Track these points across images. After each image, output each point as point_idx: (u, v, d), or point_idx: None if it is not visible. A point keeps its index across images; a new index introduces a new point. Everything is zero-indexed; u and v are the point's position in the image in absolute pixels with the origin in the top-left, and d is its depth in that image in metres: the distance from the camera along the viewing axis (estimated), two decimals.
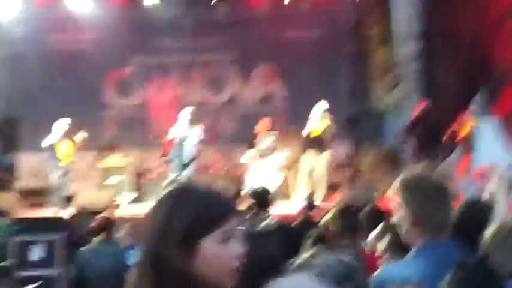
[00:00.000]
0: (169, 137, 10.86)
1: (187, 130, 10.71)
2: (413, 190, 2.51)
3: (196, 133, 10.83)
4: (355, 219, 4.68)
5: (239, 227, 1.65)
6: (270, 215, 6.02)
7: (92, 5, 12.97)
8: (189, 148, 10.75)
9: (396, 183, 2.58)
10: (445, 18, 12.27)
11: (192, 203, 1.61)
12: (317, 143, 10.78)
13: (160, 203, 1.65)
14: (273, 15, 13.76)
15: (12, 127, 13.16)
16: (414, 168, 2.68)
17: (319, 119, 10.82)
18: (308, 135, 10.83)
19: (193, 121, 10.95)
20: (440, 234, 2.49)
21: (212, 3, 13.55)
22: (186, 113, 10.81)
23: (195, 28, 13.64)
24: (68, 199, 10.52)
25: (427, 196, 2.49)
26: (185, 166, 10.62)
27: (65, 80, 13.32)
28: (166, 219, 1.59)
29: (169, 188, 1.70)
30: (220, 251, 1.58)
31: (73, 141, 10.78)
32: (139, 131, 13.16)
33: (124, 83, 13.89)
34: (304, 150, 11.17)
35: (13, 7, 13.02)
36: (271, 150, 11.16)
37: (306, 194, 10.57)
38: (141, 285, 1.60)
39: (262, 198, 6.30)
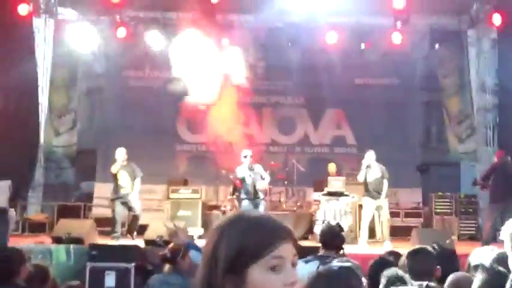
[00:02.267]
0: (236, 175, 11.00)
1: (248, 170, 10.81)
2: None
3: (260, 173, 10.93)
4: (429, 262, 4.66)
5: (293, 255, 1.59)
6: (343, 255, 6.00)
7: (168, 43, 13.31)
8: (254, 186, 10.84)
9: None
10: None
11: (239, 230, 1.59)
12: (370, 190, 10.76)
13: (211, 233, 1.64)
14: (346, 63, 13.87)
15: (88, 158, 13.60)
16: None
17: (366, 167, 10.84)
18: (365, 182, 10.83)
19: (253, 162, 11.05)
20: None
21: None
22: (245, 155, 10.94)
23: (268, 71, 13.91)
24: (139, 230, 10.73)
25: None
26: (253, 203, 10.71)
27: (140, 115, 13.78)
28: (214, 248, 1.58)
29: (224, 217, 1.69)
30: (269, 279, 1.54)
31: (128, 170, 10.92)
32: (210, 167, 13.40)
33: (196, 120, 14.22)
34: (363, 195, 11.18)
35: (95, 42, 13.48)
36: (339, 193, 11.19)
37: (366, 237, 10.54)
38: None
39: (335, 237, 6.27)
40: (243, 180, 10.75)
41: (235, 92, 13.65)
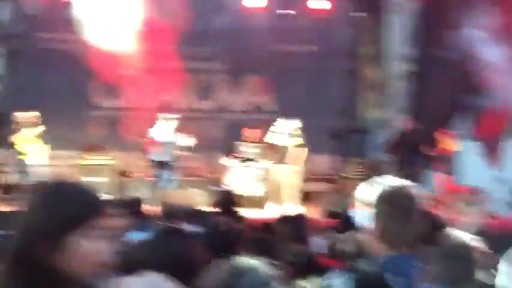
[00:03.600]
0: (152, 138, 10.88)
1: (172, 135, 10.74)
2: (383, 206, 2.53)
3: (184, 140, 10.89)
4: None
5: (107, 226, 1.67)
6: None
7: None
8: (172, 152, 10.81)
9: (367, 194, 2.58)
10: (436, 42, 12.47)
11: (60, 198, 1.65)
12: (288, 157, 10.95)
13: (31, 197, 1.68)
14: (268, 28, 13.85)
15: (2, 123, 13.19)
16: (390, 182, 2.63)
17: (290, 135, 10.99)
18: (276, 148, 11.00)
19: (179, 128, 10.98)
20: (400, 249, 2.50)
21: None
22: (174, 120, 10.85)
23: (191, 36, 13.73)
24: None
25: (392, 213, 2.51)
26: (165, 168, 10.68)
27: (54, 78, 13.43)
28: (34, 215, 1.62)
29: (41, 185, 1.74)
30: (87, 247, 1.61)
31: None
32: (124, 132, 13.21)
33: (113, 85, 13.97)
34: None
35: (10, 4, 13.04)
36: (250, 160, 11.29)
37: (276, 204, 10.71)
38: (9, 285, 1.60)
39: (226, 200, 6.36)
40: (162, 145, 10.66)
41: (155, 57, 13.49)
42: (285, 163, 11.11)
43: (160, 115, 10.97)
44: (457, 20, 11.91)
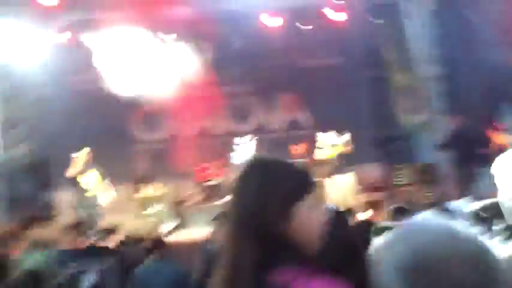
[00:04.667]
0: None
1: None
2: None
3: None
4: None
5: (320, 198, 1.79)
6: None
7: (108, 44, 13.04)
8: None
9: None
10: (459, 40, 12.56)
11: (282, 173, 1.76)
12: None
13: (249, 172, 1.79)
14: (291, 44, 13.94)
15: (44, 167, 13.25)
16: None
17: (331, 146, 11.00)
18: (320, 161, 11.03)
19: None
20: None
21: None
22: (248, 141, 10.90)
23: (218, 61, 13.84)
24: (109, 230, 10.50)
25: None
26: None
27: (91, 119, 13.51)
28: (264, 185, 1.72)
29: (250, 161, 1.84)
30: (310, 216, 1.72)
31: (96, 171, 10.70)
32: (170, 163, 13.27)
33: (151, 118, 14.07)
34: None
35: (35, 50, 13.13)
36: None
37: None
38: (242, 247, 1.69)
39: None
40: None
41: (186, 87, 13.58)
42: (334, 176, 11.07)
43: (238, 139, 11.00)
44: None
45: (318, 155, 10.96)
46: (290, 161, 1.85)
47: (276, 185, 1.72)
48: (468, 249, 1.30)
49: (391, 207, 8.98)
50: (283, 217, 1.68)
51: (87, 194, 10.48)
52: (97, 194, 10.56)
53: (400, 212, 7.24)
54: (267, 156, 1.88)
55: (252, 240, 1.67)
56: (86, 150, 10.69)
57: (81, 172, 10.51)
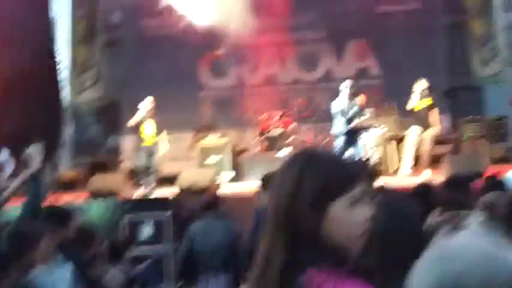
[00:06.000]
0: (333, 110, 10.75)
1: (348, 103, 10.57)
2: None
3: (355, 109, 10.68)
4: (465, 190, 4.63)
5: (366, 193, 1.66)
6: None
7: None
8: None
9: None
10: None
11: (323, 166, 1.66)
12: (421, 118, 10.61)
13: (290, 165, 1.70)
14: None
15: (113, 111, 13.61)
16: None
17: (420, 97, 10.62)
18: (412, 111, 10.69)
19: (354, 94, 10.82)
20: None
21: None
22: (346, 86, 10.69)
23: (289, 7, 13.61)
24: (169, 179, 10.78)
25: None
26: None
27: (161, 64, 13.69)
28: (299, 181, 1.64)
29: (296, 152, 1.75)
30: (348, 215, 1.61)
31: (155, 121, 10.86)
32: (235, 111, 13.37)
33: (218, 64, 14.11)
34: (407, 125, 11.01)
35: None
36: (367, 125, 10.99)
37: (411, 168, 10.47)
38: (274, 243, 1.64)
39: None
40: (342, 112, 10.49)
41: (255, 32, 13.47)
42: (421, 126, 10.70)
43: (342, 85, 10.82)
44: None
45: (411, 104, 10.63)
46: (341, 156, 1.80)
47: (309, 182, 1.64)
48: (507, 278, 1.26)
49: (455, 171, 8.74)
50: (314, 217, 1.61)
51: (145, 144, 10.67)
52: (154, 143, 10.73)
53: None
54: (316, 149, 1.83)
55: (283, 236, 1.63)
56: (150, 99, 10.83)
57: (142, 122, 10.67)
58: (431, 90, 10.99)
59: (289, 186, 1.65)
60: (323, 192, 1.62)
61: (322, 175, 1.64)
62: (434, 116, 10.71)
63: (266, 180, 5.66)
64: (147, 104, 10.80)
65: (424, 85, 10.57)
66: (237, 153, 12.00)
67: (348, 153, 10.33)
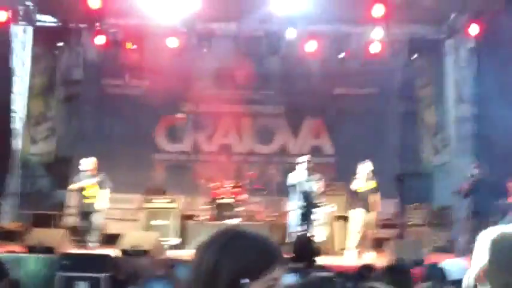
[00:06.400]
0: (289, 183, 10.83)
1: (306, 177, 10.68)
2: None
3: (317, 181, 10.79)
4: (406, 276, 4.68)
5: (284, 276, 1.67)
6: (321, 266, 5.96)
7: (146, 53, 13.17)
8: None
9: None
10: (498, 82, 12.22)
11: (241, 248, 1.66)
12: (363, 200, 10.78)
13: (208, 245, 1.68)
14: (326, 71, 13.84)
15: (63, 166, 13.45)
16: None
17: (365, 179, 10.82)
18: (355, 192, 10.86)
19: (311, 169, 10.91)
20: None
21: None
22: (303, 160, 10.84)
23: (249, 80, 13.86)
24: (112, 239, 10.60)
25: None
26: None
27: (118, 123, 13.70)
28: (215, 263, 1.63)
29: (216, 231, 1.73)
30: None
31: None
32: (187, 176, 13.34)
33: (175, 129, 14.18)
34: (350, 206, 11.15)
35: (74, 50, 13.40)
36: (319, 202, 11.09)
37: (356, 248, 10.54)
38: None
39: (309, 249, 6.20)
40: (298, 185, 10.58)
41: (215, 102, 13.67)
42: (363, 208, 10.86)
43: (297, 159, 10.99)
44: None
45: (355, 185, 10.79)
46: (262, 235, 1.75)
47: (228, 262, 1.63)
48: None
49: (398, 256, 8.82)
50: None
51: (86, 201, 10.64)
52: (95, 201, 10.69)
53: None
54: (239, 229, 1.77)
55: None
56: (93, 159, 10.88)
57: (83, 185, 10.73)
58: (380, 173, 11.22)
59: (209, 263, 1.64)
60: (241, 274, 1.61)
61: (242, 257, 1.64)
62: (377, 199, 10.89)
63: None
64: (89, 164, 10.80)
65: (370, 168, 10.77)
66: (184, 219, 11.89)
67: (300, 228, 10.40)
